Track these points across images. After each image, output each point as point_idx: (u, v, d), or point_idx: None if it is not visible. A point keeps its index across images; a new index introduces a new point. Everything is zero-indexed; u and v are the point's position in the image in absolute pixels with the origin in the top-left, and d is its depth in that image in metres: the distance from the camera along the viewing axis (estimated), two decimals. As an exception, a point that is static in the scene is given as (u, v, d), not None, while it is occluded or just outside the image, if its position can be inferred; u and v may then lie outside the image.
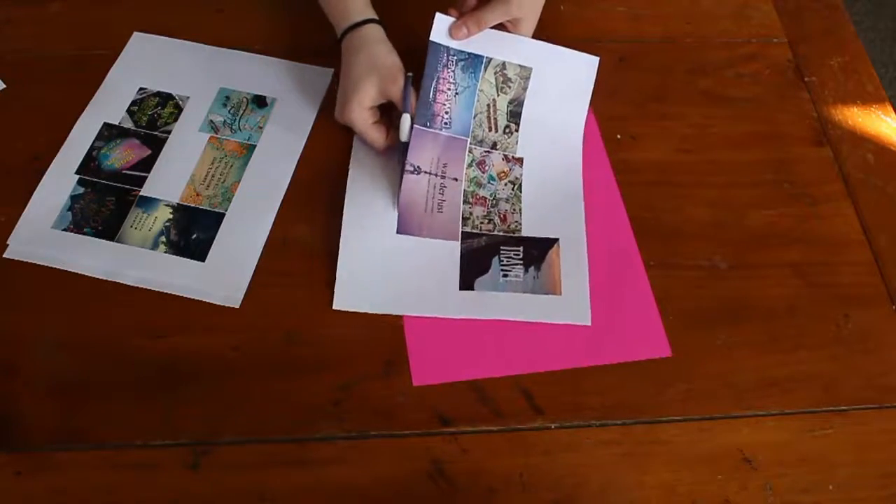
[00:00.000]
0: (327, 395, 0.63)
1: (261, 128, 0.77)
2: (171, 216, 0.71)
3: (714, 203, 0.74)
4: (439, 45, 0.72)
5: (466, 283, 0.68)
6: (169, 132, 0.76)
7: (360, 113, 0.71)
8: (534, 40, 0.75)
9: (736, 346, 0.67)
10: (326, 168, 0.74)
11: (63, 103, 0.77)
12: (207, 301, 0.67)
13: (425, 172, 0.72)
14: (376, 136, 0.72)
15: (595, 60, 0.76)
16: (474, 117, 0.74)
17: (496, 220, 0.71)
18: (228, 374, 0.64)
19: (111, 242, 0.70)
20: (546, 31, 0.76)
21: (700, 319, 0.68)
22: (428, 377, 0.64)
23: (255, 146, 0.76)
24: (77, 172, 0.73)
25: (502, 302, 0.67)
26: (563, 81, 0.76)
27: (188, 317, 0.66)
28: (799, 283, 0.70)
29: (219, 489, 0.59)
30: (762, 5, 0.90)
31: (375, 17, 0.74)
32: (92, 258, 0.68)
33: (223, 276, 0.68)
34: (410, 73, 0.71)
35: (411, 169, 0.71)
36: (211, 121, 0.77)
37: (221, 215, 0.72)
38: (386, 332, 0.66)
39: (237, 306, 0.67)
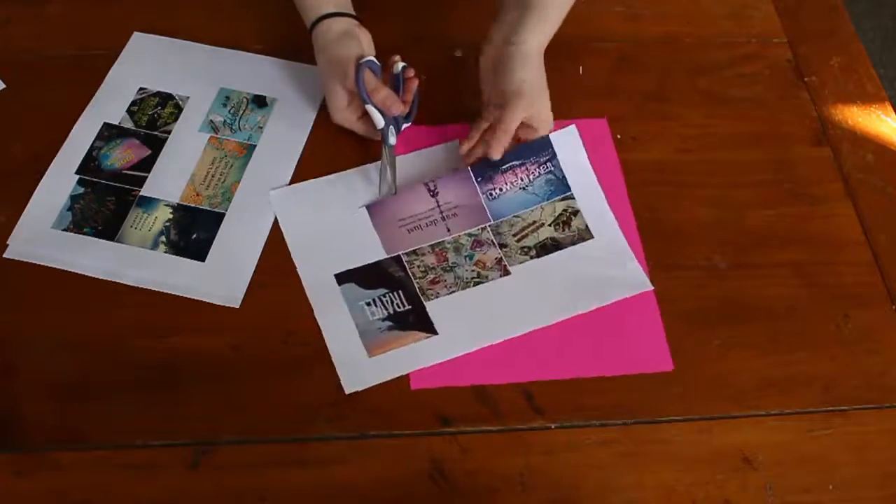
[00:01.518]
0: (327, 395, 0.63)
1: (261, 128, 0.77)
2: (171, 216, 0.71)
3: (714, 203, 0.74)
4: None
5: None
6: (169, 132, 0.76)
7: (341, 115, 0.73)
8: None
9: (736, 347, 0.67)
10: (326, 168, 0.74)
11: (63, 103, 0.77)
12: (207, 301, 0.67)
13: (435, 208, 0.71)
14: (366, 129, 0.74)
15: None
16: (516, 216, 0.72)
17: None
18: (228, 374, 0.64)
19: (111, 242, 0.70)
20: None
21: (700, 319, 0.68)
22: (426, 381, 0.64)
23: (255, 146, 0.76)
24: (77, 172, 0.73)
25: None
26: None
27: (188, 317, 0.66)
28: (799, 283, 0.70)
29: (219, 489, 0.59)
30: (762, 5, 0.90)
31: (331, 10, 0.73)
32: (92, 258, 0.68)
33: (223, 276, 0.68)
34: (367, 58, 0.70)
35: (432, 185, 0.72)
36: (211, 121, 0.77)
37: (221, 215, 0.71)
38: (386, 332, 0.66)
39: (237, 306, 0.67)
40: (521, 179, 0.73)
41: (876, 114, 0.81)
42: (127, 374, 0.64)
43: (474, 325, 0.66)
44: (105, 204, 0.72)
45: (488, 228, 0.71)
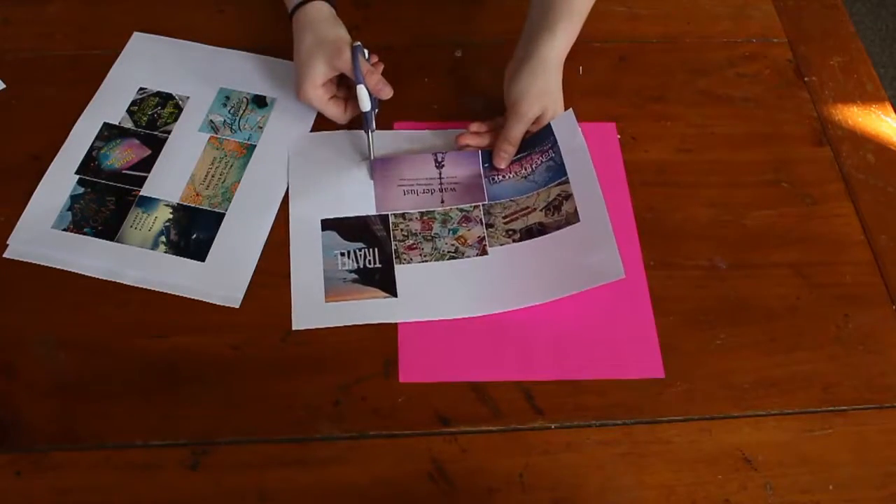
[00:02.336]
0: (327, 395, 0.63)
1: (261, 128, 0.77)
2: (171, 216, 0.71)
3: (714, 203, 0.74)
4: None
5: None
6: (169, 132, 0.76)
7: (314, 91, 0.72)
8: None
9: (736, 347, 0.67)
10: (326, 168, 0.74)
11: (63, 103, 0.77)
12: (207, 301, 0.67)
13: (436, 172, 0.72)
14: (334, 111, 0.74)
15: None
16: (511, 200, 0.72)
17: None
18: (228, 374, 0.64)
19: (111, 242, 0.69)
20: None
21: (700, 319, 0.68)
22: (416, 375, 0.64)
23: (255, 146, 0.76)
24: (77, 172, 0.73)
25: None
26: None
27: (188, 317, 0.66)
28: (799, 283, 0.70)
29: (219, 489, 0.59)
30: (762, 5, 0.90)
31: None
32: (92, 258, 0.68)
33: (223, 276, 0.68)
34: (358, 43, 0.71)
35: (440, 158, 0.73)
36: (211, 121, 0.77)
37: (221, 215, 0.71)
38: (385, 332, 0.66)
39: (237, 306, 0.67)
40: (525, 169, 0.73)
41: (876, 114, 0.81)
42: (127, 374, 0.64)
43: (434, 296, 0.67)
44: (105, 204, 0.72)
45: (481, 207, 0.72)
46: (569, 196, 0.71)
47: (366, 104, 0.71)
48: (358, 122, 0.74)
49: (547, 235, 0.70)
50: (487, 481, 0.60)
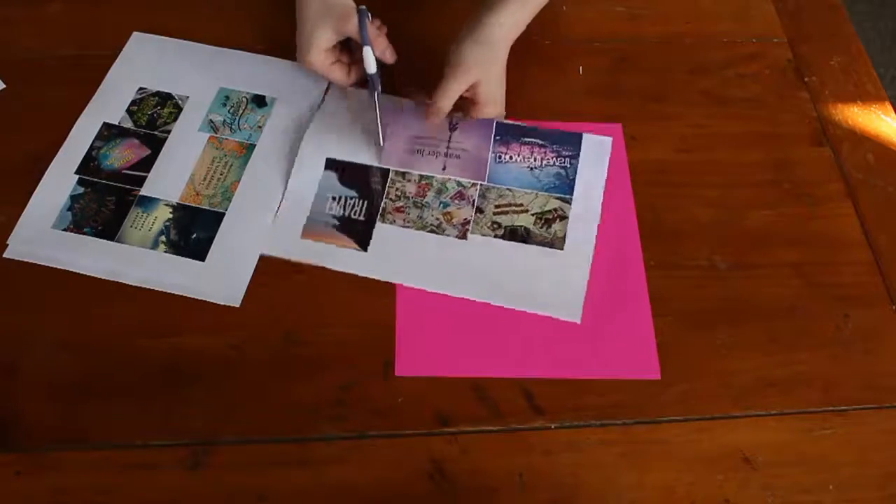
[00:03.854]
0: (327, 395, 0.63)
1: (260, 127, 0.77)
2: (170, 216, 0.71)
3: (714, 203, 0.74)
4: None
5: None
6: (168, 132, 0.76)
7: (318, 55, 0.72)
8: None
9: (736, 347, 0.67)
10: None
11: (63, 103, 0.77)
12: (207, 301, 0.67)
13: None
14: (339, 75, 0.74)
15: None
16: (509, 189, 0.73)
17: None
18: (228, 374, 0.64)
19: (111, 242, 0.70)
20: (547, 31, 0.76)
21: (700, 319, 0.68)
22: (413, 369, 0.64)
23: (254, 146, 0.76)
24: (77, 172, 0.73)
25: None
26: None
27: (188, 317, 0.66)
28: (799, 283, 0.70)
29: (219, 489, 0.59)
30: (762, 5, 0.90)
31: None
32: (92, 258, 0.68)
33: (223, 275, 0.68)
34: (363, 7, 0.71)
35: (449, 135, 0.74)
36: (210, 120, 0.77)
37: (221, 215, 0.72)
38: (385, 331, 0.66)
39: (237, 306, 0.67)
40: (535, 159, 0.74)
41: (876, 114, 0.81)
42: (127, 374, 0.64)
43: (403, 263, 0.69)
44: (105, 204, 0.72)
45: (478, 186, 0.72)
46: (564, 218, 0.71)
47: (372, 66, 0.71)
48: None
49: (528, 246, 0.70)
50: (487, 481, 0.60)
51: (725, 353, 0.66)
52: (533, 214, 0.71)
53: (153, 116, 0.77)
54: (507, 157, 0.74)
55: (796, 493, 0.61)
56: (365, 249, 0.69)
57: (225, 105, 0.79)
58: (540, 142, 0.74)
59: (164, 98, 0.79)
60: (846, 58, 0.85)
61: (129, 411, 0.62)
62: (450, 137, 0.74)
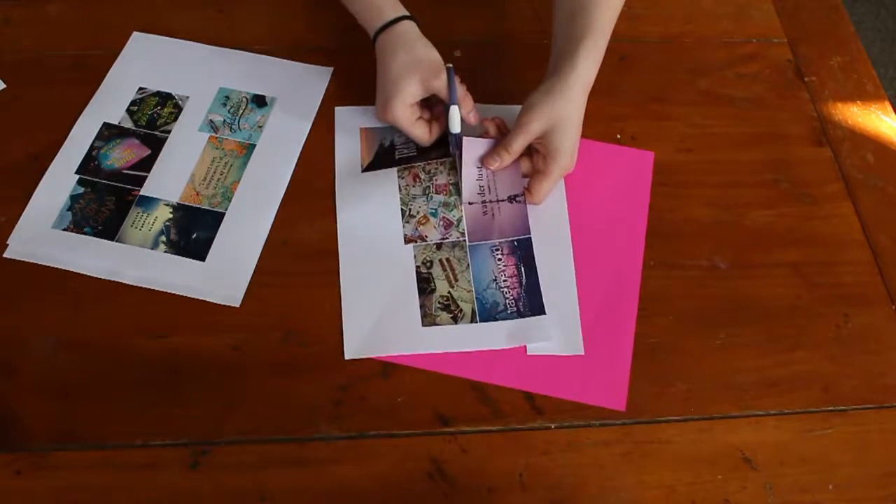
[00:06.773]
0: (327, 395, 0.63)
1: (260, 127, 0.77)
2: (170, 216, 0.71)
3: (714, 203, 0.74)
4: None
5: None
6: (169, 132, 0.76)
7: (404, 111, 0.71)
8: None
9: (736, 346, 0.67)
10: (326, 167, 0.74)
11: (63, 103, 0.77)
12: (207, 301, 0.67)
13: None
14: (421, 131, 0.73)
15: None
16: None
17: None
18: (228, 374, 0.64)
19: (111, 242, 0.70)
20: (548, 31, 0.76)
21: (700, 319, 0.68)
22: (405, 359, 0.64)
23: (254, 146, 0.76)
24: (77, 172, 0.73)
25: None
26: None
27: (188, 317, 0.66)
28: (799, 283, 0.70)
29: (219, 489, 0.59)
30: (762, 5, 0.90)
31: (408, 13, 0.73)
32: (92, 258, 0.68)
33: (223, 275, 0.68)
34: (451, 65, 0.71)
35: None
36: (211, 120, 0.77)
37: (221, 215, 0.72)
38: (386, 331, 0.66)
39: (237, 305, 0.67)
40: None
41: (876, 114, 0.81)
42: (127, 374, 0.64)
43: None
44: (105, 204, 0.72)
45: (464, 242, 0.70)
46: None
47: (457, 126, 0.71)
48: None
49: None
50: (487, 481, 0.60)
51: (725, 353, 0.66)
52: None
53: (153, 116, 0.77)
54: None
55: (796, 492, 0.61)
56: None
57: (225, 105, 0.79)
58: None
59: (165, 98, 0.79)
60: (846, 58, 0.85)
61: (129, 411, 0.62)
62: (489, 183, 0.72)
